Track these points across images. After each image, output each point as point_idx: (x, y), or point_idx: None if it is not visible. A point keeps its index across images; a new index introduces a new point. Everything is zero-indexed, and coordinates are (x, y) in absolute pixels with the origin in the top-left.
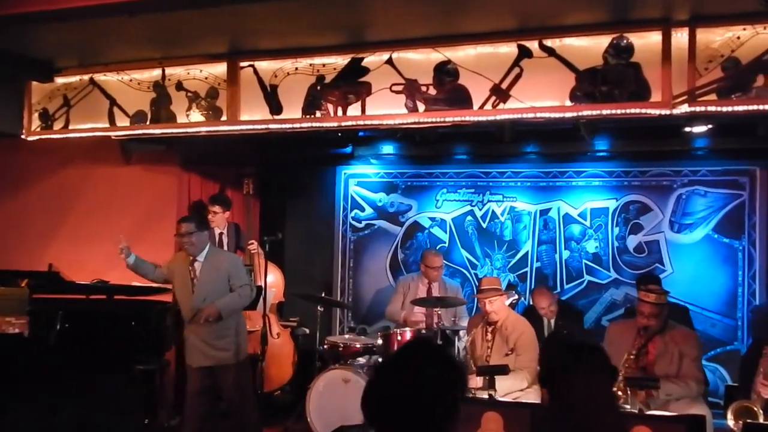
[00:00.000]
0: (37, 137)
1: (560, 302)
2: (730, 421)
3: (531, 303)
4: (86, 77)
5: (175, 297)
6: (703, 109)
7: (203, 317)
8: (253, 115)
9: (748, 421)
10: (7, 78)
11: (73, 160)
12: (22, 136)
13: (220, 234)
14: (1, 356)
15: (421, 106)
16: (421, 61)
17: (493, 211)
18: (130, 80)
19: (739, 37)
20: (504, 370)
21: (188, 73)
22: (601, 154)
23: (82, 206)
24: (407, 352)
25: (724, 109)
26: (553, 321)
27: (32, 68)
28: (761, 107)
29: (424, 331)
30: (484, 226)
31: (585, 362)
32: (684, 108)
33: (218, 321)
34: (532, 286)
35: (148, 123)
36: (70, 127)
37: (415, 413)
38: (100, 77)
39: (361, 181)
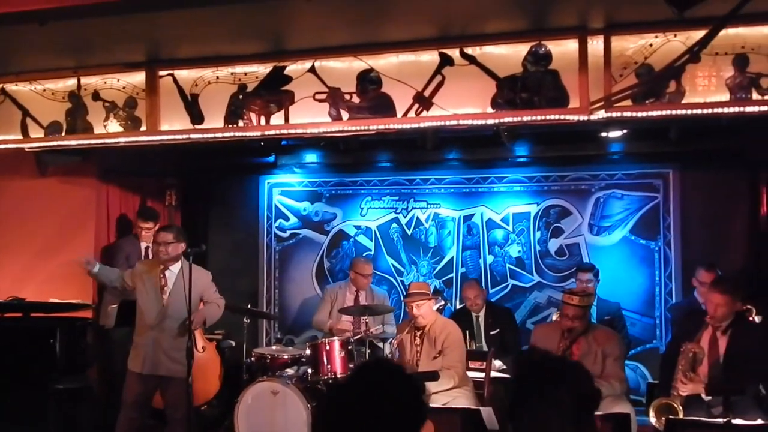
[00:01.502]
0: None
1: (489, 302)
2: (652, 418)
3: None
4: None
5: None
6: (619, 114)
7: (196, 323)
8: (174, 124)
9: (671, 417)
10: None
11: None
12: None
13: (147, 248)
14: None
15: (345, 115)
16: (344, 69)
17: (417, 218)
18: (44, 90)
19: (651, 45)
20: (434, 376)
21: (105, 83)
22: (522, 159)
23: None
24: (364, 375)
25: (639, 114)
26: (481, 317)
27: None
28: (673, 112)
29: (352, 340)
30: (409, 233)
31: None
32: (601, 114)
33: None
34: (458, 292)
35: (63, 134)
36: None
37: None
38: (11, 87)
39: (284, 191)
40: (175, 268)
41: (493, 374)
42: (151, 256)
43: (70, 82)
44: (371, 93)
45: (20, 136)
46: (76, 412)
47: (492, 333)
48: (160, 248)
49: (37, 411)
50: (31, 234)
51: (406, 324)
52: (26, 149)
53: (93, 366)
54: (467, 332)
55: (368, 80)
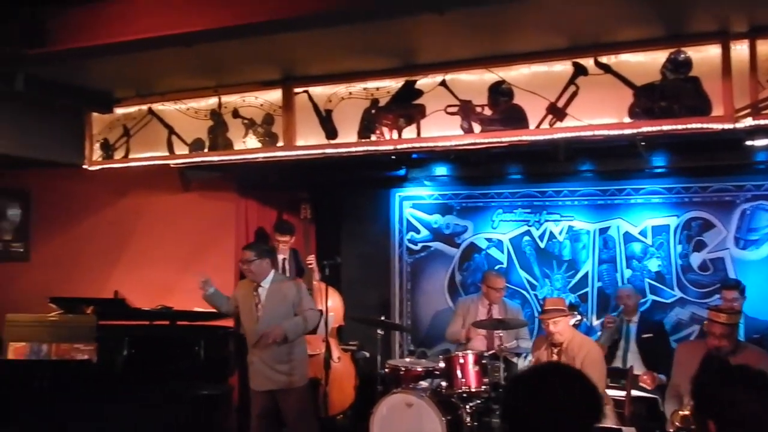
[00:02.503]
0: (98, 167)
1: (641, 313)
2: None
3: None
4: (145, 107)
5: (239, 322)
6: (767, 122)
7: (270, 338)
8: (309, 140)
9: None
10: (68, 110)
11: (134, 189)
12: (85, 167)
13: (284, 260)
14: (71, 382)
15: (476, 127)
16: (475, 81)
17: (550, 230)
18: (187, 109)
19: None
20: None
21: (244, 101)
22: (660, 170)
23: (142, 233)
24: (546, 372)
25: None
26: (634, 321)
27: (92, 100)
28: None
29: (486, 354)
30: (542, 246)
31: (753, 387)
32: (747, 122)
33: (283, 343)
34: (594, 307)
35: (205, 150)
36: (131, 156)
37: None
38: (158, 107)
39: (415, 204)
40: (266, 283)
41: (634, 393)
42: (288, 269)
43: (212, 101)
44: (503, 105)
45: (166, 153)
46: (217, 419)
47: (644, 336)
48: (243, 267)
49: (181, 416)
50: (176, 245)
51: (542, 340)
52: (171, 165)
53: (234, 374)
54: (620, 336)
55: (500, 92)
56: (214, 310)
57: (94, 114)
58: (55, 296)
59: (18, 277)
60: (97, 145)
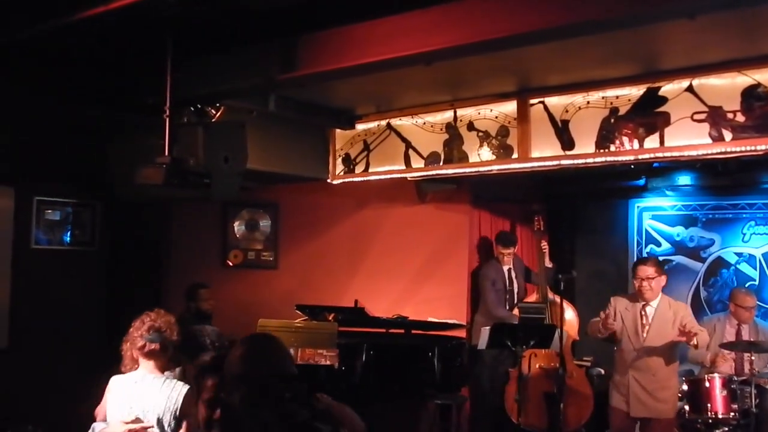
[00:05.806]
0: (341, 181)
1: None
2: None
3: None
4: (383, 122)
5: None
6: None
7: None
8: (545, 151)
9: None
10: (313, 127)
11: (372, 201)
12: (328, 180)
13: (509, 270)
14: (316, 387)
15: (727, 135)
16: (725, 86)
17: None
18: (424, 123)
19: None
20: None
21: (479, 113)
22: None
23: (380, 244)
24: None
25: None
26: None
27: (336, 117)
28: None
29: (735, 378)
30: None
31: None
32: None
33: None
34: None
35: (441, 163)
36: (370, 170)
37: None
38: (396, 122)
39: (655, 215)
40: (655, 303)
41: None
42: (514, 278)
43: (447, 115)
44: (758, 110)
45: (403, 167)
46: (448, 428)
47: None
48: (643, 283)
49: (414, 423)
50: (412, 256)
51: None
52: (408, 178)
53: (465, 384)
54: None
55: (754, 96)
56: (448, 321)
57: (337, 130)
58: (300, 303)
59: (267, 283)
60: (339, 160)
